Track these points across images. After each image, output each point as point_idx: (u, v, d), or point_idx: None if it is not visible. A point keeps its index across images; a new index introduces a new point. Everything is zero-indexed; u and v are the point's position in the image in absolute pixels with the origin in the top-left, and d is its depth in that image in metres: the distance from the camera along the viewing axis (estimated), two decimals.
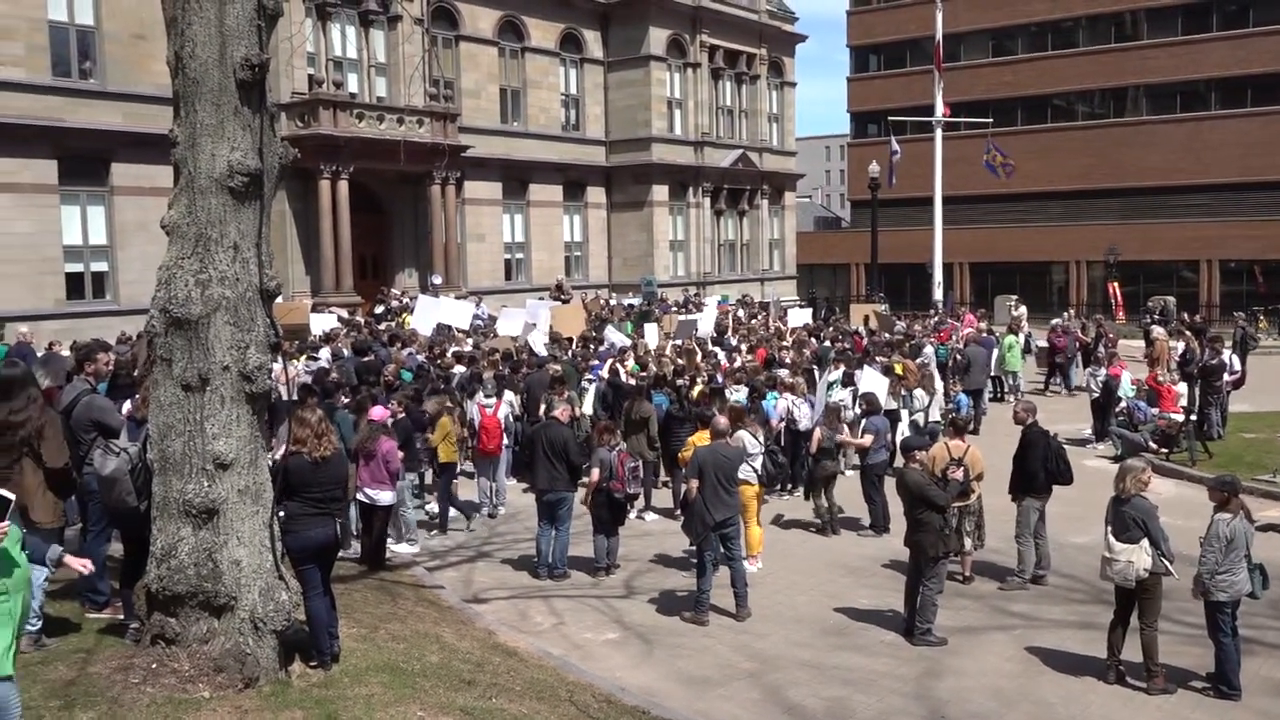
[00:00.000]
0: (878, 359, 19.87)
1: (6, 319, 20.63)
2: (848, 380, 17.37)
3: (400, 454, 11.91)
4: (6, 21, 22.36)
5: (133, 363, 12.65)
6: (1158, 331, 25.31)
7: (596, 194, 38.69)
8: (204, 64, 6.58)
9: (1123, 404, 19.14)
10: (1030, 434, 11.68)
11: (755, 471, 12.07)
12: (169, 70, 6.84)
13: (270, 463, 7.42)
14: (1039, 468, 11.47)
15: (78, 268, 24.38)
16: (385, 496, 11.41)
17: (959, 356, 22.00)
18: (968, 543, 11.63)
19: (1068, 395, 25.20)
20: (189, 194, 6.71)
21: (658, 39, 37.92)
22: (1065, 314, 33.50)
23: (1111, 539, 8.79)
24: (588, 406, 16.25)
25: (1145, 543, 8.66)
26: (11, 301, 22.52)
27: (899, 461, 12.38)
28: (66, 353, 17.22)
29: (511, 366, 17.48)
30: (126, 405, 9.44)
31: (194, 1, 6.53)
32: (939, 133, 39.38)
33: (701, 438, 11.83)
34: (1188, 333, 23.90)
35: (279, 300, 7.95)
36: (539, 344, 20.10)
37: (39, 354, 16.75)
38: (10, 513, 5.01)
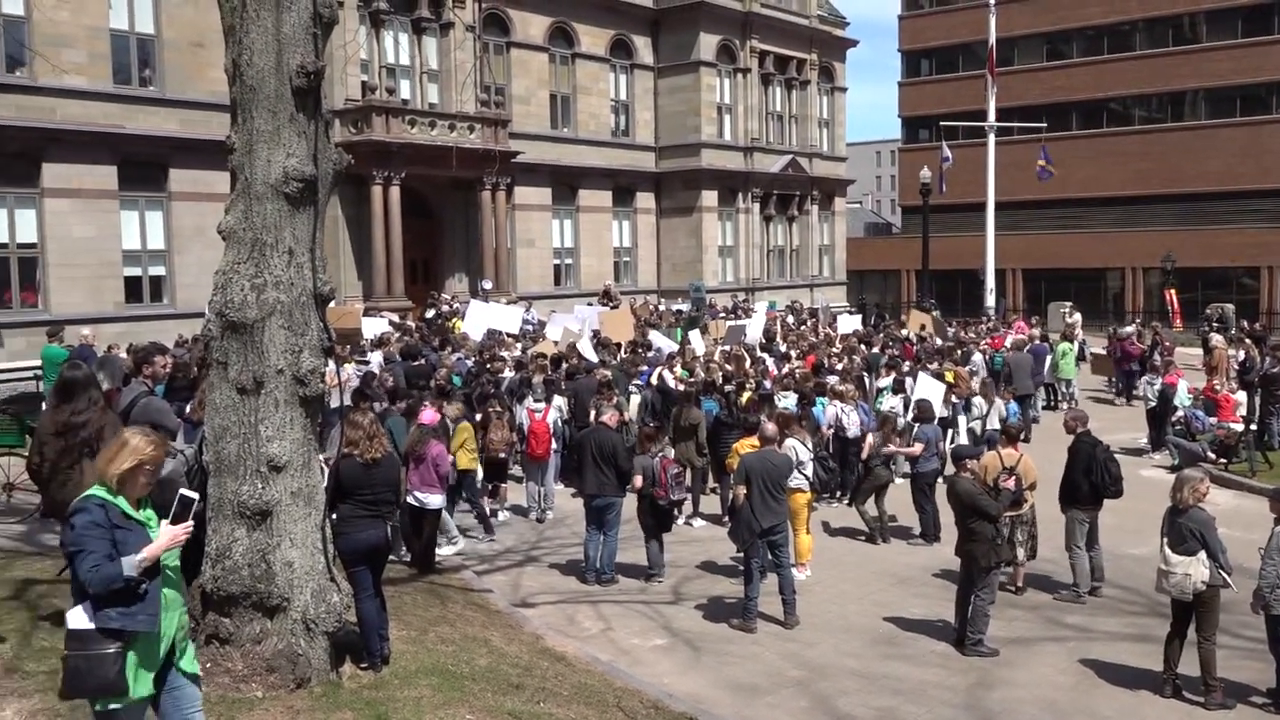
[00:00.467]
0: (928, 366, 19.70)
1: (68, 322, 21.03)
2: (898, 387, 17.26)
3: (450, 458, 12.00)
4: (69, 30, 22.83)
5: (189, 365, 12.85)
6: (1216, 339, 24.91)
7: (646, 199, 38.73)
8: (261, 72, 6.67)
9: (1180, 413, 18.82)
10: (1076, 444, 11.54)
11: (807, 479, 12.01)
12: (227, 78, 6.94)
13: (322, 466, 7.50)
14: (1081, 479, 11.32)
15: (136, 272, 24.82)
16: (435, 500, 11.48)
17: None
18: (1020, 553, 11.49)
19: (1127, 404, 24.81)
20: (245, 199, 6.80)
21: (708, 44, 37.91)
22: (1135, 322, 32.85)
23: (1168, 551, 8.65)
24: (633, 412, 16.24)
25: (1203, 555, 8.51)
26: (72, 305, 22.98)
27: (950, 469, 12.26)
28: (124, 355, 17.56)
29: (567, 373, 17.51)
30: (188, 407, 9.59)
31: (251, 10, 6.62)
32: (991, 138, 39.00)
33: (747, 444, 11.80)
34: (1247, 340, 23.47)
35: (332, 305, 8.04)
36: (589, 349, 20.11)
37: (99, 356, 17.03)
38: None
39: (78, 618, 4.58)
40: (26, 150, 22.37)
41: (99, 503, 4.72)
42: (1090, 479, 11.26)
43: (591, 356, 19.37)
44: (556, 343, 21.05)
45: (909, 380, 17.86)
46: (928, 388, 16.60)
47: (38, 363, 18.23)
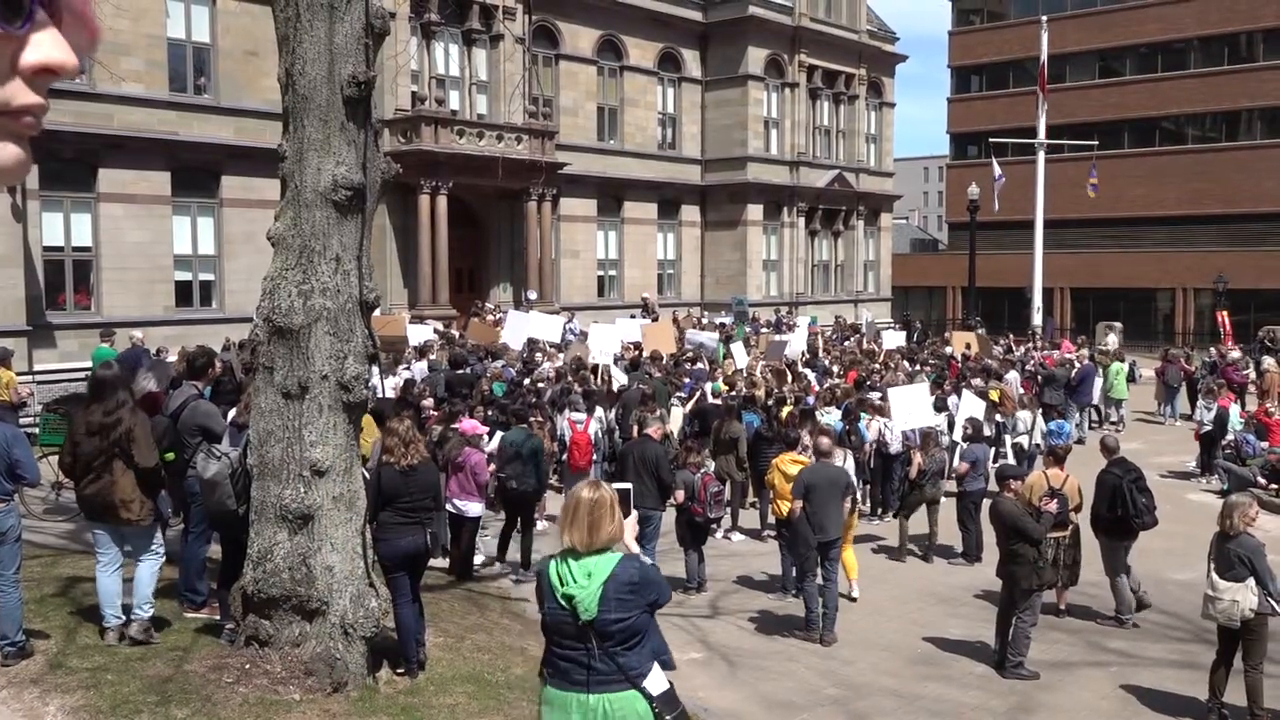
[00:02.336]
0: (973, 383, 19.53)
1: (119, 325, 21.39)
2: (940, 405, 17.12)
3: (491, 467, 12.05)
4: (127, 38, 23.25)
5: (236, 368, 13.03)
6: (1269, 363, 24.47)
7: (691, 212, 38.74)
8: (313, 81, 6.76)
9: (1230, 437, 18.51)
10: (1103, 474, 11.40)
11: (854, 497, 11.99)
12: (279, 87, 7.04)
13: (364, 472, 7.57)
14: (1105, 511, 11.16)
15: (186, 276, 25.19)
16: (474, 508, 11.52)
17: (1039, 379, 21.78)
18: (1063, 575, 11.33)
19: (1173, 425, 24.46)
20: (295, 207, 6.89)
21: (756, 59, 37.89)
22: (1218, 345, 31.91)
23: (1215, 576, 8.49)
24: (675, 425, 16.21)
25: (1251, 581, 8.34)
26: (124, 308, 23.36)
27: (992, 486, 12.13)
28: (173, 358, 17.82)
29: (610, 389, 17.53)
30: (232, 411, 9.72)
31: (305, 20, 6.71)
32: (1041, 155, 38.61)
33: (788, 459, 11.77)
34: None
35: (377, 312, 8.12)
36: (617, 370, 19.97)
37: (152, 357, 17.33)
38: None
39: (658, 681, 4.54)
40: (83, 155, 22.80)
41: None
42: (1114, 511, 11.08)
43: (621, 378, 19.27)
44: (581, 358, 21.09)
45: (952, 398, 17.73)
46: (971, 406, 16.43)
47: (89, 363, 18.55)
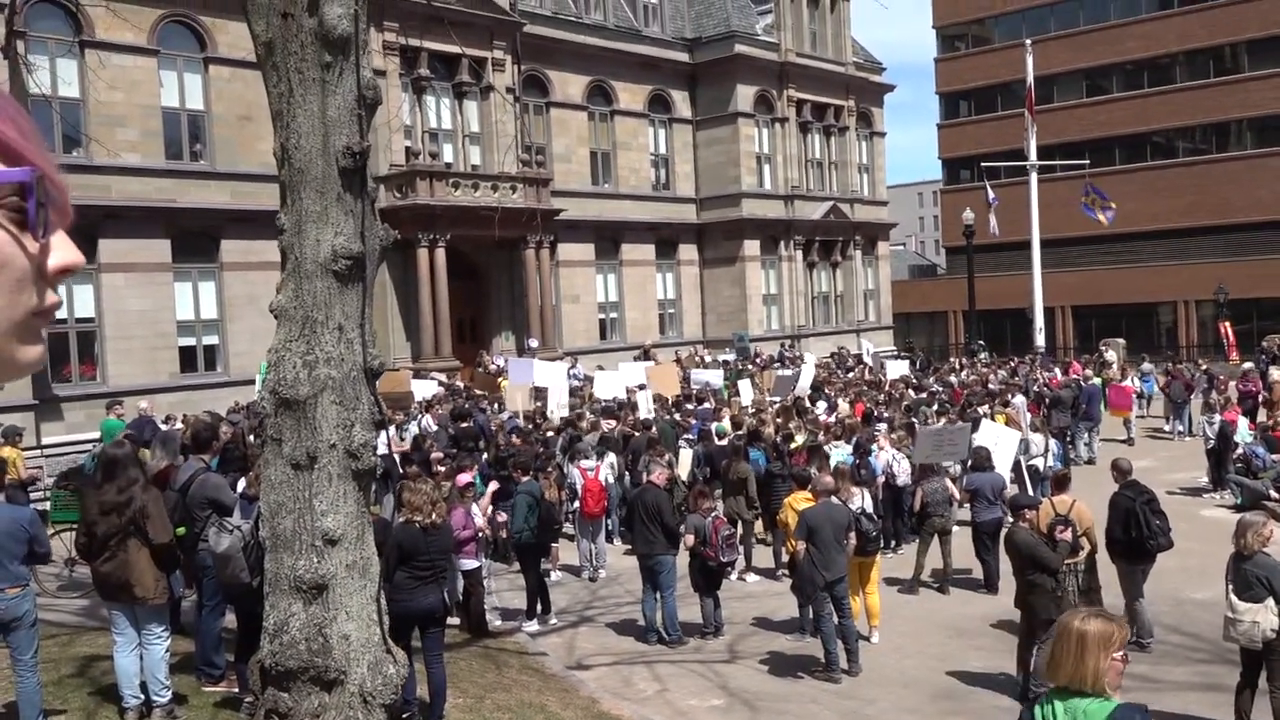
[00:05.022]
0: (978, 409, 19.53)
1: (124, 394, 21.45)
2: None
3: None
4: (123, 110, 23.52)
5: (242, 437, 13.05)
6: (1276, 374, 24.44)
7: (688, 251, 38.92)
8: (308, 154, 6.83)
9: (1239, 450, 18.46)
10: (1115, 497, 11.36)
11: (867, 534, 11.94)
12: (275, 161, 7.12)
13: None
14: (1120, 534, 11.12)
15: (190, 341, 25.29)
16: (465, 563, 11.42)
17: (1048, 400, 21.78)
18: (1079, 601, 11.25)
19: (1182, 440, 24.43)
20: (295, 279, 6.94)
21: (745, 96, 38.21)
22: (1262, 358, 31.36)
23: (1234, 598, 8.45)
24: (684, 468, 16.21)
25: (1270, 601, 8.30)
26: (129, 376, 23.45)
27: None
28: (180, 425, 17.87)
29: (622, 433, 17.51)
30: (241, 483, 9.74)
31: (298, 95, 6.80)
32: (1034, 176, 38.82)
33: (801, 498, 11.76)
34: None
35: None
36: (643, 405, 20.06)
37: (161, 427, 17.35)
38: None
39: None
40: (83, 228, 22.94)
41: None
42: (1129, 534, 11.04)
43: (645, 412, 19.33)
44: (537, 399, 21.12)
45: (956, 424, 17.71)
46: (989, 435, 16.17)
47: (97, 435, 18.61)
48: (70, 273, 0.87)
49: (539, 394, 21.87)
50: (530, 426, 18.46)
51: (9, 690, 7.52)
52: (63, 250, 0.85)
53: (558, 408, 19.81)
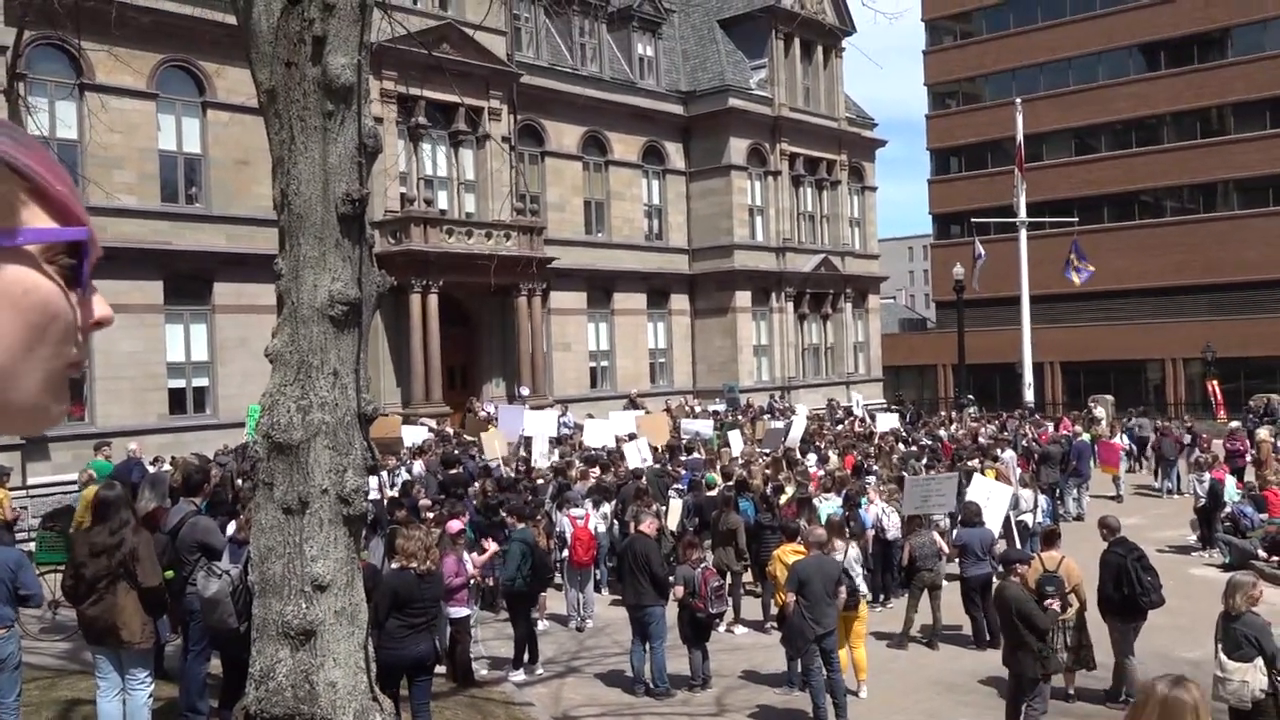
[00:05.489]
0: (968, 464, 19.56)
1: (113, 435, 21.37)
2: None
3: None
4: (120, 152, 23.63)
5: (231, 480, 12.99)
6: (1262, 433, 24.55)
7: (680, 301, 39.09)
8: (308, 200, 6.90)
9: (1228, 509, 18.50)
10: (1106, 555, 11.39)
11: (857, 589, 11.91)
12: (274, 206, 7.18)
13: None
14: (1112, 591, 11.13)
15: (180, 383, 25.23)
16: (455, 611, 11.35)
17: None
18: (1066, 658, 11.22)
19: (1171, 498, 24.46)
20: (292, 323, 6.97)
21: (738, 149, 38.59)
22: (1250, 417, 31.40)
23: (1223, 657, 8.45)
24: (673, 518, 16.16)
25: (1260, 661, 8.30)
26: (117, 417, 23.36)
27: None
28: (168, 467, 17.79)
29: (613, 482, 17.50)
30: (230, 526, 9.70)
31: (299, 142, 6.88)
32: (1023, 233, 39.19)
33: (789, 550, 11.75)
34: None
35: None
36: (633, 457, 20.03)
37: (150, 469, 17.27)
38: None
39: None
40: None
41: None
42: (1122, 590, 11.04)
43: (634, 461, 19.31)
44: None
45: (944, 477, 17.73)
46: (984, 489, 16.09)
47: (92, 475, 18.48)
48: (102, 326, 0.90)
49: (525, 442, 21.85)
50: (511, 475, 18.41)
51: None
52: (99, 304, 0.88)
53: (540, 456, 19.77)
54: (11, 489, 16.36)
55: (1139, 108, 53.79)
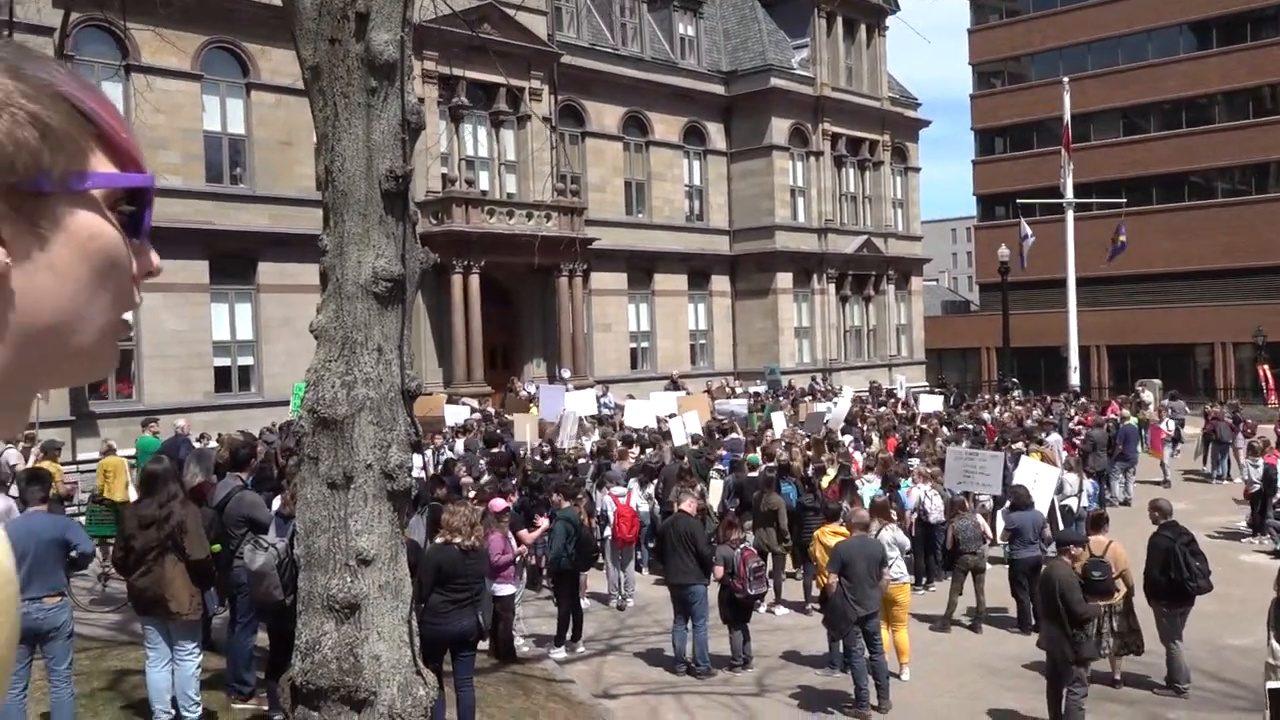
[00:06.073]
0: (1013, 446, 19.36)
1: (160, 412, 21.65)
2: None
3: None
4: (165, 133, 23.87)
5: (276, 456, 13.12)
6: None
7: (721, 282, 38.96)
8: (352, 177, 6.91)
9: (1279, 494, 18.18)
10: (1155, 538, 11.20)
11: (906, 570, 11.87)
12: (318, 182, 7.21)
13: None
14: (1159, 575, 10.95)
15: (225, 362, 25.54)
16: (501, 588, 11.41)
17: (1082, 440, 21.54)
18: (1113, 643, 11.07)
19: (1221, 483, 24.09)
20: (336, 300, 6.99)
21: (780, 129, 38.32)
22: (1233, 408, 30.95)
23: (1275, 644, 8.31)
24: (714, 498, 16.14)
25: None
26: (164, 395, 23.68)
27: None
28: (214, 444, 18.01)
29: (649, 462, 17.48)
30: (276, 501, 9.79)
31: (343, 119, 6.89)
32: (1070, 214, 38.65)
33: (829, 531, 11.70)
34: None
35: None
36: (679, 434, 20.04)
37: (195, 445, 17.47)
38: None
39: None
40: None
41: None
42: (1169, 575, 10.87)
43: (680, 438, 19.31)
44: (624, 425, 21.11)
45: (1006, 465, 17.53)
46: (1031, 471, 15.89)
47: (132, 452, 18.77)
48: (152, 276, 0.89)
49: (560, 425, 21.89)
50: (537, 458, 18.43)
51: (43, 701, 7.56)
52: (153, 255, 0.87)
53: (568, 439, 19.79)
54: (62, 464, 16.63)
55: (1190, 86, 52.76)
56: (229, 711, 8.26)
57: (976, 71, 62.46)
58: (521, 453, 18.18)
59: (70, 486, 15.75)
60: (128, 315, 0.90)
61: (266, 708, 8.02)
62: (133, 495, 15.64)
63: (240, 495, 8.66)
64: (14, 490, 10.70)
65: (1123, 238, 38.29)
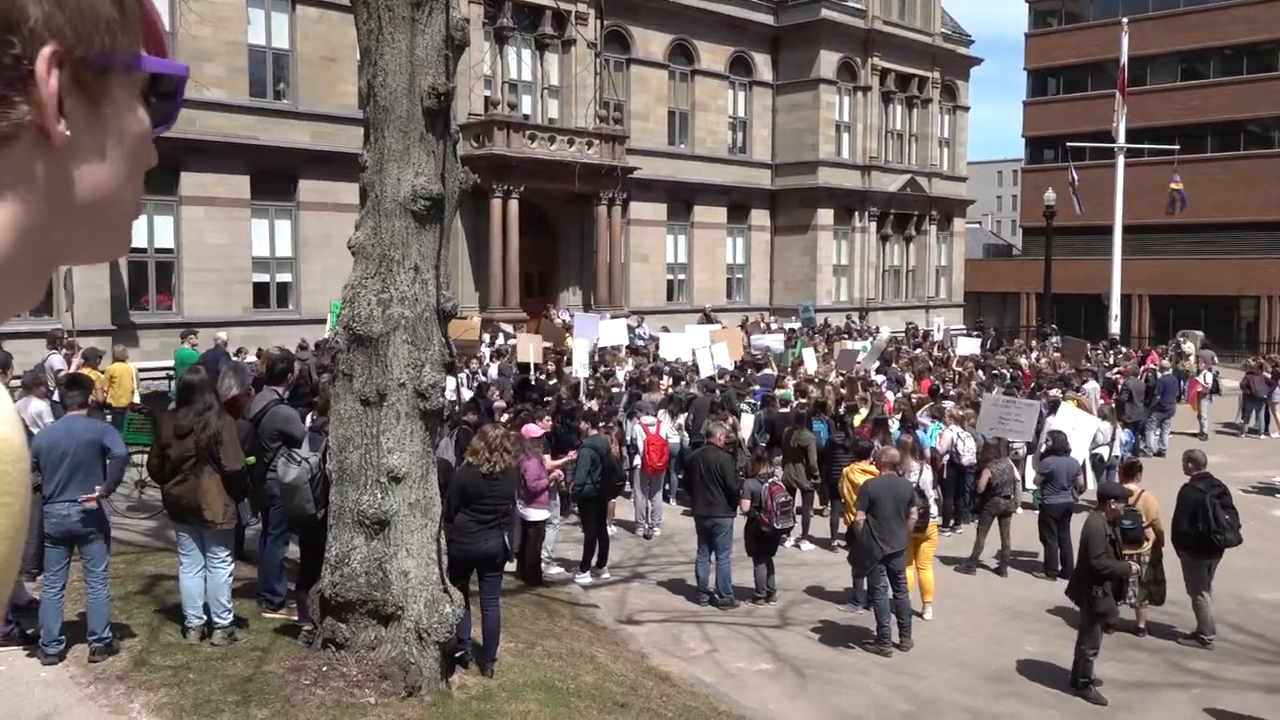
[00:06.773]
0: (1049, 393, 19.18)
1: (199, 325, 21.85)
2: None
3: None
4: (209, 45, 23.77)
5: (312, 370, 13.21)
6: None
7: (760, 217, 38.59)
8: (394, 92, 6.84)
9: None
10: (1185, 490, 11.06)
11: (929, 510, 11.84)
12: (360, 98, 7.15)
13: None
14: (1187, 526, 10.84)
15: (264, 278, 25.69)
16: (533, 513, 11.48)
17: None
18: (1139, 592, 11.02)
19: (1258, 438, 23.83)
20: (375, 216, 6.98)
21: (828, 62, 37.63)
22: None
23: None
24: (745, 432, 16.14)
25: None
26: (204, 309, 23.90)
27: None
28: (252, 358, 18.17)
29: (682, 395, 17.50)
30: (310, 416, 9.88)
31: (387, 33, 6.80)
32: (1120, 160, 37.83)
33: (858, 469, 11.67)
34: None
35: None
36: (706, 365, 20.03)
37: (232, 358, 17.63)
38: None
39: None
40: (166, 160, 23.20)
41: None
42: (1197, 527, 10.75)
43: (707, 370, 19.30)
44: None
45: (1046, 415, 17.39)
46: (1070, 418, 15.81)
47: (171, 363, 19.00)
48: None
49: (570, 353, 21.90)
50: (543, 378, 18.43)
51: (80, 601, 7.74)
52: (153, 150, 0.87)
53: (581, 367, 19.78)
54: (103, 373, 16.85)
55: (1254, 32, 51.12)
56: (259, 620, 8.41)
57: (1033, 9, 60.85)
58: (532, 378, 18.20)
59: (106, 393, 15.94)
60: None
61: (296, 618, 8.16)
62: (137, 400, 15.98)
63: (276, 409, 8.73)
64: (56, 395, 10.85)
65: (1178, 185, 37.43)
